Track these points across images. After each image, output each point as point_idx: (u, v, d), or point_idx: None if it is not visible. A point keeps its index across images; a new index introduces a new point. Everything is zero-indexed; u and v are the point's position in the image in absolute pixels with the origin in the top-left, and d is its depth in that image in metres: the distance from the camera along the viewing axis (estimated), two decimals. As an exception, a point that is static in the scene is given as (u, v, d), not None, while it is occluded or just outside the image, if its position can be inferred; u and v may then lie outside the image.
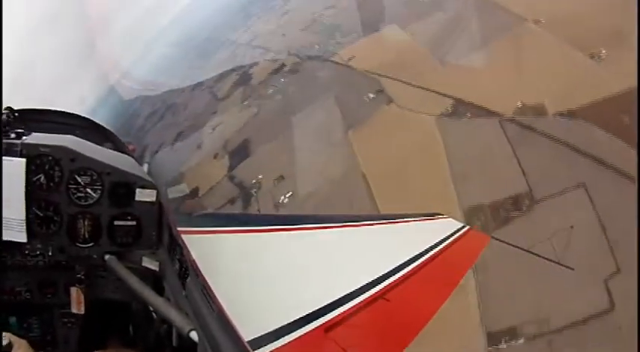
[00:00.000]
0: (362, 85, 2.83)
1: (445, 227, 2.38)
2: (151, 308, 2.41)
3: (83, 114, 2.95)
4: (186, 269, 1.98)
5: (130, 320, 2.64)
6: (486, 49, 2.63)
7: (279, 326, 2.14)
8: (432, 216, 2.40)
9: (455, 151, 2.20)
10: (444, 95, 2.45)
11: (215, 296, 1.75)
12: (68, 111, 2.94)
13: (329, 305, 2.24)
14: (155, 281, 2.26)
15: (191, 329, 1.73)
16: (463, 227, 2.45)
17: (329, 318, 2.22)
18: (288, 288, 2.21)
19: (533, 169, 1.92)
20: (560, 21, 2.68)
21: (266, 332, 2.12)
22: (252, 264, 2.18)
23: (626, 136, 1.86)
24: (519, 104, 2.18)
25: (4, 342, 1.61)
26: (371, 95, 2.54)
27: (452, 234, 2.43)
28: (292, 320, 2.16)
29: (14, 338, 1.67)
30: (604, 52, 2.23)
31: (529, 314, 1.78)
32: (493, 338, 1.82)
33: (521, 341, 1.80)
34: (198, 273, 1.87)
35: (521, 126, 2.11)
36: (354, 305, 2.30)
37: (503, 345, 1.71)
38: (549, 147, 2.02)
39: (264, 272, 2.15)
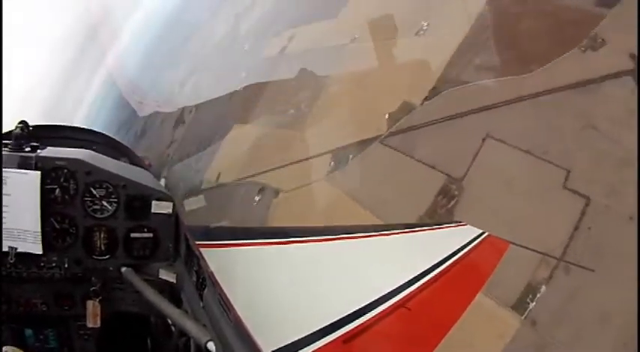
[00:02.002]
0: (243, 194, 2.77)
1: (464, 234, 2.32)
2: (169, 321, 2.40)
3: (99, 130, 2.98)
4: (204, 280, 1.97)
5: (148, 332, 2.64)
6: (329, 83, 2.58)
7: (297, 338, 2.10)
8: (450, 223, 2.34)
9: (361, 193, 2.16)
10: (320, 155, 2.40)
11: (233, 308, 1.73)
12: (84, 126, 2.98)
13: (348, 316, 2.21)
14: (172, 293, 2.25)
15: (208, 341, 1.72)
16: (482, 233, 2.39)
17: (348, 329, 2.18)
18: (307, 300, 2.17)
19: (439, 157, 1.88)
20: (373, 24, 2.66)
21: (284, 344, 2.09)
22: (269, 275, 2.15)
23: (488, 75, 1.90)
24: (386, 116, 2.17)
25: None
26: (256, 198, 2.49)
27: (471, 241, 2.37)
28: (310, 333, 2.12)
29: (18, 351, 1.66)
30: (424, 24, 2.24)
31: (532, 262, 1.75)
32: (519, 307, 1.76)
33: (543, 288, 1.74)
34: (215, 285, 1.86)
35: (402, 131, 2.09)
36: (375, 315, 2.26)
37: (533, 304, 1.66)
38: (438, 129, 1.99)
39: (281, 284, 2.12)
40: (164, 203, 2.26)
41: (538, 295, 1.73)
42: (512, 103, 1.99)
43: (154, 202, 2.23)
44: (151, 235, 2.27)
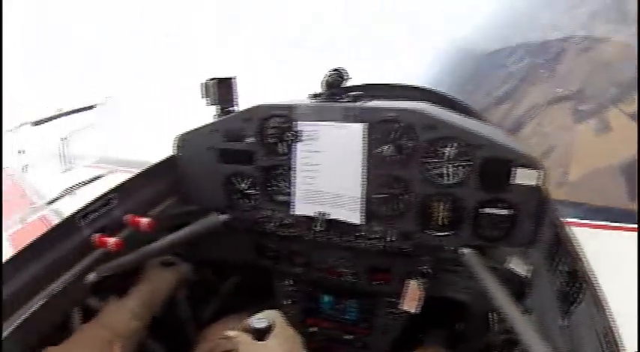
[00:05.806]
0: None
1: None
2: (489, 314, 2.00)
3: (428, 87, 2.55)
4: (578, 292, 1.39)
5: (463, 319, 2.29)
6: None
7: None
8: None
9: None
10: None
11: (618, 340, 1.15)
12: (405, 83, 2.59)
13: None
14: (518, 287, 1.76)
15: None
16: None
17: None
18: None
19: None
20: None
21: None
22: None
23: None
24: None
25: (264, 324, 1.32)
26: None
27: None
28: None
29: (279, 320, 1.39)
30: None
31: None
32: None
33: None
34: (598, 304, 1.27)
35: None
36: None
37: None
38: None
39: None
40: (530, 171, 1.65)
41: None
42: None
43: (517, 170, 1.66)
44: (509, 212, 1.72)
